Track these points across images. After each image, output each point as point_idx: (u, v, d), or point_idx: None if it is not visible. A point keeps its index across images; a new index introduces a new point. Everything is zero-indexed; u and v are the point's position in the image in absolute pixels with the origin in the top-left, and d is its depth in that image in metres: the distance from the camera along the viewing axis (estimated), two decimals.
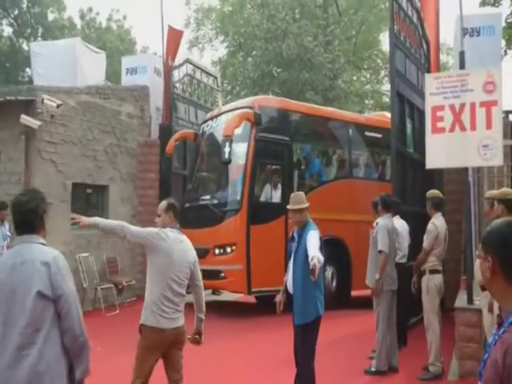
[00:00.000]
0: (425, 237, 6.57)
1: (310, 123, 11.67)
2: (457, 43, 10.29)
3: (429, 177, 8.94)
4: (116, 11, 36.76)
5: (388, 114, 13.57)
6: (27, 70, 29.90)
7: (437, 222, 6.57)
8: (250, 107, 10.46)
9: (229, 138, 9.48)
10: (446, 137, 6.68)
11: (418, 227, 7.60)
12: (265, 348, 7.75)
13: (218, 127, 10.88)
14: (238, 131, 10.01)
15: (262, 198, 10.45)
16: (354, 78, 29.18)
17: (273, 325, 8.44)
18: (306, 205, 5.18)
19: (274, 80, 23.97)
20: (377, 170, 12.55)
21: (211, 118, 11.72)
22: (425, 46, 10.07)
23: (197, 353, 4.30)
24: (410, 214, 7.82)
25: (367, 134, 12.20)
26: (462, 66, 7.00)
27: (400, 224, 7.19)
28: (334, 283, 10.84)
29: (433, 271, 6.51)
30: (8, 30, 32.92)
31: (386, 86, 27.60)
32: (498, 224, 1.91)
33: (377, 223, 6.83)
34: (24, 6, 31.99)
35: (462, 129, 6.58)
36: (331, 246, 9.72)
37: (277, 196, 10.45)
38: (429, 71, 9.67)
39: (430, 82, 6.91)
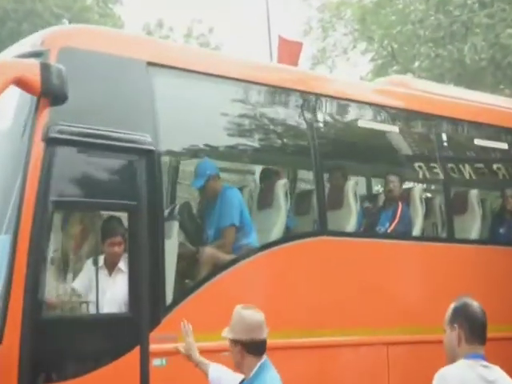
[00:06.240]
0: None
1: (211, 98, 6.63)
2: None
3: None
4: (198, 22, 34.09)
5: (408, 81, 9.52)
6: None
7: None
8: (38, 54, 5.63)
9: None
10: None
11: None
12: None
13: None
14: None
15: (70, 307, 5.76)
16: None
17: None
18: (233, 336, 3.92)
19: None
20: (391, 216, 7.58)
21: None
22: None
23: None
24: None
25: (363, 125, 7.88)
26: None
27: None
28: None
29: None
30: None
31: None
32: None
33: None
34: (66, 23, 32.57)
35: None
36: None
37: (119, 298, 5.65)
38: None
39: None
